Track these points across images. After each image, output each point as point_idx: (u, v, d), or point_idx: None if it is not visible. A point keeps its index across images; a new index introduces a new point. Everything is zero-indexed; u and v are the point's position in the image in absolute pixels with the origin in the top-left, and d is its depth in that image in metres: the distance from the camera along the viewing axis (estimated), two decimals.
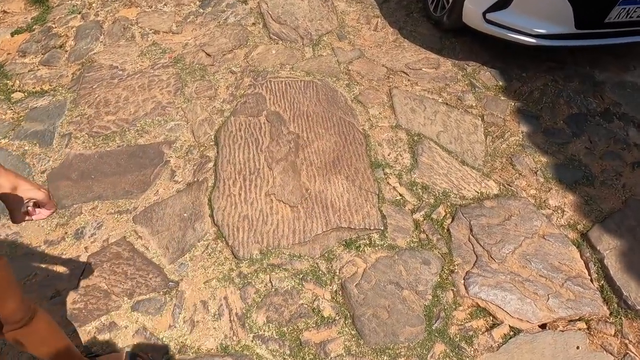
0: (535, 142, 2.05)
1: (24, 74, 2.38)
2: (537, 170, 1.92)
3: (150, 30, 2.66)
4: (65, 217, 1.68)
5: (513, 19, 2.16)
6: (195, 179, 1.82)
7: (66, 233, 1.63)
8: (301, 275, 1.53)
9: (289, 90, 2.23)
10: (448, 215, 1.73)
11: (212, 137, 2.00)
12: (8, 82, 2.35)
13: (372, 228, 1.65)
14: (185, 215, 1.68)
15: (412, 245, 1.63)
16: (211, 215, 1.68)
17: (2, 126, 2.07)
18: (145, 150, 1.93)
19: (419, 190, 1.82)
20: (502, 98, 2.28)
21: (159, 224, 1.65)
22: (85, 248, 1.58)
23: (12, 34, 2.69)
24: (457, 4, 2.37)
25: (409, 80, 2.36)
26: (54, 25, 2.74)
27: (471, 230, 1.66)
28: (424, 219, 1.72)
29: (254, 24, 2.74)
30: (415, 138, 2.03)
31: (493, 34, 2.29)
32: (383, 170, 1.87)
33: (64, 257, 1.55)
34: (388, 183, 1.83)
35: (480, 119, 2.15)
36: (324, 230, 1.64)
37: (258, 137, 1.98)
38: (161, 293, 1.46)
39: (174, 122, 2.08)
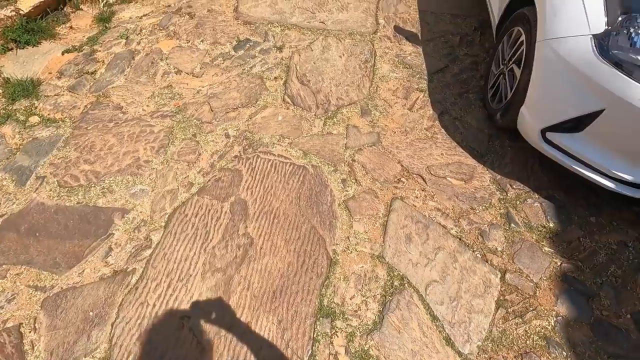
0: (573, 340, 1.39)
1: (49, 97, 2.47)
2: None
3: (174, 69, 2.57)
4: None
5: (584, 150, 1.51)
6: (125, 267, 1.61)
7: None
8: None
9: (271, 174, 1.90)
10: None
11: (167, 216, 1.78)
12: (35, 102, 2.45)
13: None
14: (91, 314, 1.48)
15: None
16: (113, 324, 1.45)
17: (2, 152, 2.14)
18: (98, 214, 1.80)
19: None
20: (546, 250, 1.62)
21: (61, 318, 1.48)
22: None
23: (63, 52, 2.83)
24: (513, 106, 1.77)
25: (423, 190, 1.84)
26: (99, 49, 2.82)
27: None
28: None
29: (276, 78, 2.46)
30: (396, 283, 1.54)
31: (552, 158, 1.65)
32: (332, 322, 1.43)
33: None
34: (331, 343, 1.39)
35: (499, 275, 1.55)
36: None
37: (210, 231, 1.70)
38: None
39: (141, 185, 1.91)
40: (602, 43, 1.32)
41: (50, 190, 1.91)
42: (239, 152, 2.03)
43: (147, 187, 1.91)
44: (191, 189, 1.88)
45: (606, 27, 1.32)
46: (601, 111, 1.37)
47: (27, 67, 2.72)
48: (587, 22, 1.36)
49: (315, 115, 2.21)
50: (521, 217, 1.73)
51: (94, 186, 1.91)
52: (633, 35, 1.29)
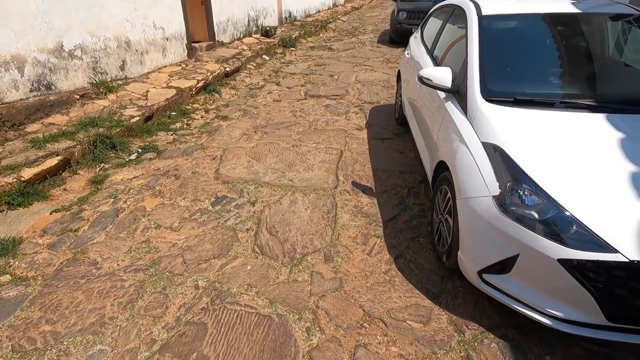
0: None
1: (26, 256, 2.57)
2: None
3: (154, 224, 2.81)
4: None
5: (517, 289, 1.70)
6: None
7: None
8: None
9: (236, 326, 1.93)
10: None
11: None
12: (11, 261, 2.53)
13: None
14: None
15: None
16: None
17: None
18: None
19: None
20: None
21: None
22: None
23: (52, 212, 3.07)
24: (453, 250, 2.02)
25: (385, 335, 1.89)
26: (87, 208, 3.09)
27: None
28: None
29: (247, 229, 2.72)
30: None
31: (493, 297, 1.81)
32: None
33: None
34: None
35: None
36: None
37: None
38: None
39: (101, 345, 1.86)
40: (501, 202, 1.68)
41: (1, 357, 1.82)
42: (207, 303, 2.09)
43: (107, 347, 1.86)
44: (153, 347, 1.84)
45: (500, 190, 1.71)
46: (517, 255, 1.62)
47: (12, 227, 2.89)
48: (486, 186, 1.75)
49: (282, 263, 2.38)
50: (482, 359, 1.76)
51: (51, 349, 1.85)
52: (522, 196, 1.66)
